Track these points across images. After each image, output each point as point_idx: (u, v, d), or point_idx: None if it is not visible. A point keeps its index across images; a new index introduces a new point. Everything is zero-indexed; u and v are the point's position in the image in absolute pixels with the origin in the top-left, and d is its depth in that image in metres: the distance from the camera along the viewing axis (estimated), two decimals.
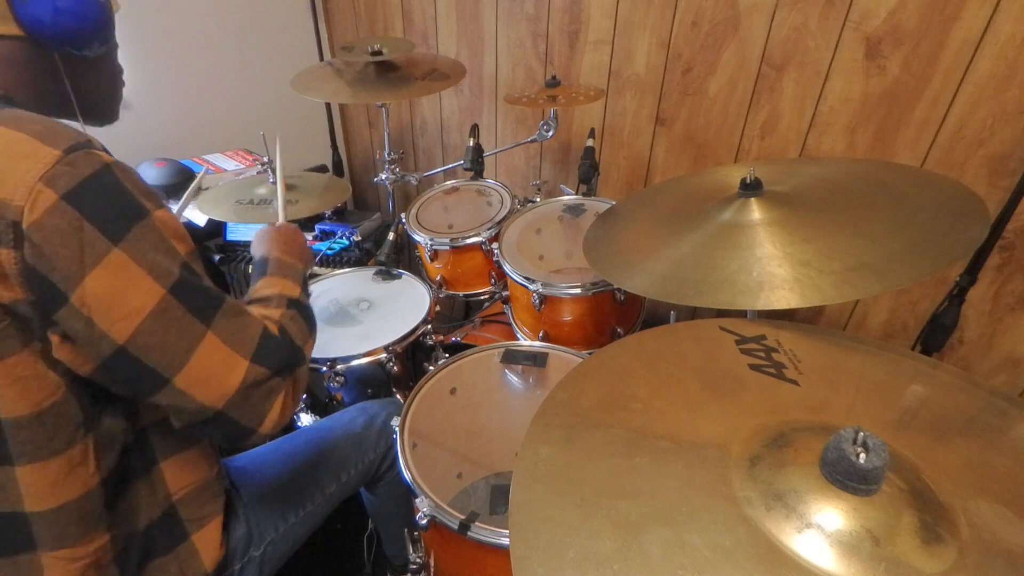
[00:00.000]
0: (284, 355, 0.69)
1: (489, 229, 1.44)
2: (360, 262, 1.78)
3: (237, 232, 1.78)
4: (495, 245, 1.35)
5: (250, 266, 1.74)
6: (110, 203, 0.58)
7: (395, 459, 0.98)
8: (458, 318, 1.86)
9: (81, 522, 0.66)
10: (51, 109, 0.69)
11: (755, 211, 0.85)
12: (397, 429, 0.94)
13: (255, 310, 0.74)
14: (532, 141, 1.58)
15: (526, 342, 1.20)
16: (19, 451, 0.61)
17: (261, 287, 0.81)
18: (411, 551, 0.95)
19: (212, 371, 0.63)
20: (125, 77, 0.84)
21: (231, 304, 0.67)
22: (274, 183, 1.44)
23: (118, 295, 0.58)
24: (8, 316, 0.56)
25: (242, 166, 1.89)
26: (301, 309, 0.79)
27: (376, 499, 1.14)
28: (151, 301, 0.59)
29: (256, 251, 0.92)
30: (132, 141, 1.83)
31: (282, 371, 0.69)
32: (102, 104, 0.78)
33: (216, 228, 1.75)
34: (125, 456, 0.70)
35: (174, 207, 1.69)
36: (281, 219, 1.06)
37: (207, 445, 0.81)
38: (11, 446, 0.60)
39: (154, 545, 0.74)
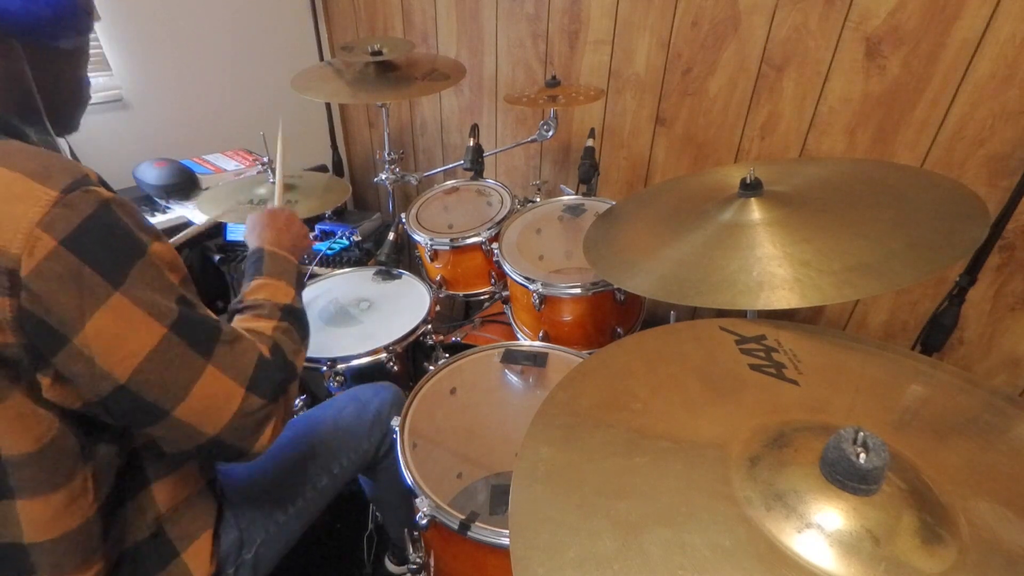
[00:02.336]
0: (278, 379, 0.69)
1: (489, 229, 1.44)
2: (360, 262, 1.78)
3: (237, 232, 1.78)
4: (495, 245, 1.35)
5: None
6: (109, 244, 0.57)
7: (392, 445, 0.97)
8: (458, 318, 1.87)
9: (80, 551, 0.65)
10: (14, 108, 0.65)
11: (755, 211, 0.85)
12: (397, 429, 0.94)
13: (247, 324, 0.73)
14: (532, 141, 1.58)
15: (526, 342, 1.20)
16: (20, 486, 0.60)
17: (254, 288, 0.79)
18: (411, 551, 0.95)
19: (211, 402, 0.63)
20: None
21: (227, 331, 0.66)
22: (275, 183, 1.44)
23: (119, 337, 0.57)
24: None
25: (242, 166, 1.89)
26: (294, 318, 0.78)
27: (376, 484, 1.12)
28: (152, 340, 0.59)
29: (250, 240, 0.89)
30: (132, 141, 1.83)
31: (276, 396, 0.69)
32: (63, 108, 0.72)
33: (216, 228, 1.75)
34: (119, 480, 0.69)
35: (175, 207, 1.69)
36: (277, 203, 1.03)
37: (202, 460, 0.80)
38: (12, 481, 0.60)
39: (142, 565, 0.73)
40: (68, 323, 0.54)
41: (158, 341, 0.59)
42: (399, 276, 1.48)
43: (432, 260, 1.51)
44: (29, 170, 0.55)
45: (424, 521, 0.80)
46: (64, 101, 0.72)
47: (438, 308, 1.36)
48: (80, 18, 0.66)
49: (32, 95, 0.66)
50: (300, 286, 0.86)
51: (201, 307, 0.66)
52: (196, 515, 0.79)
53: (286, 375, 0.71)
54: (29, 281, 0.52)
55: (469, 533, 0.77)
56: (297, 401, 1.29)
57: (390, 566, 1.31)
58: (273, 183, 1.44)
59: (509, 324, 1.45)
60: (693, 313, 1.55)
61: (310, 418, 1.04)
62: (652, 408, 0.63)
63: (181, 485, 0.76)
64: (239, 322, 0.74)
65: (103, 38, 1.70)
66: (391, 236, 1.56)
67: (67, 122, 0.74)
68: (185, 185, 1.72)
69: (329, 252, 1.78)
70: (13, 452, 0.59)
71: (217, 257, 1.76)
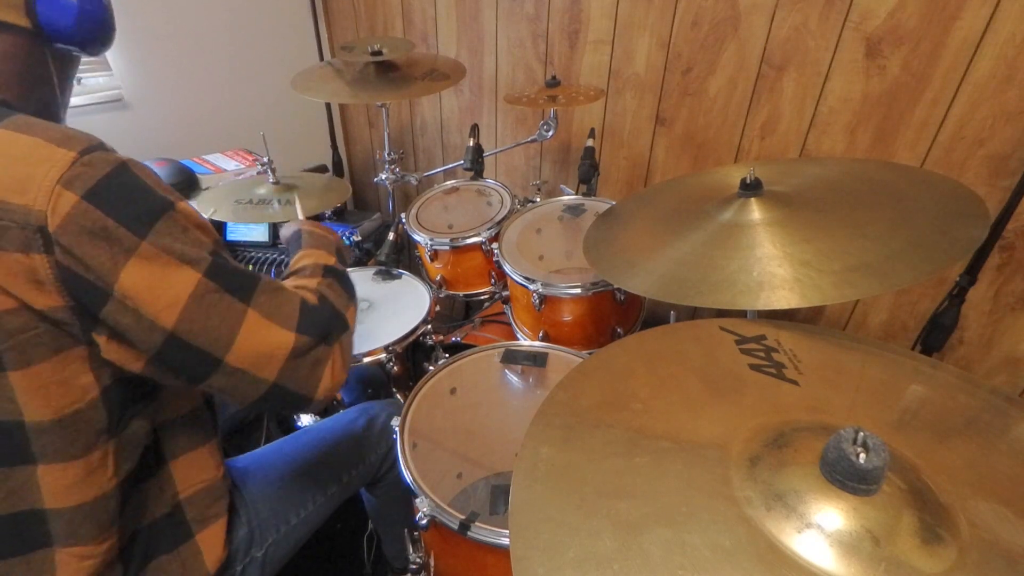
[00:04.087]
0: (326, 321, 0.71)
1: (489, 229, 1.44)
2: (360, 262, 1.78)
3: (237, 232, 1.78)
4: (495, 245, 1.35)
5: (252, 265, 1.74)
6: (131, 199, 0.58)
7: (395, 460, 0.99)
8: (458, 318, 1.87)
9: (94, 523, 0.66)
10: (35, 106, 0.69)
11: (755, 211, 0.85)
12: (397, 429, 0.94)
13: (290, 283, 0.75)
14: (532, 141, 1.58)
15: (526, 342, 1.20)
16: (41, 452, 0.61)
17: (297, 260, 0.83)
18: (411, 551, 0.95)
19: (260, 347, 0.65)
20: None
21: (266, 281, 0.68)
22: (275, 183, 1.44)
23: (156, 285, 0.58)
24: (42, 323, 0.56)
25: (242, 166, 1.89)
26: (338, 276, 0.81)
27: (376, 500, 1.14)
28: (189, 286, 0.60)
29: (287, 231, 0.96)
30: (132, 141, 1.83)
31: (326, 338, 0.70)
32: (64, 111, 0.77)
33: (216, 228, 1.74)
34: (142, 458, 0.70)
35: None
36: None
37: (215, 446, 0.81)
38: (34, 447, 0.61)
39: (157, 542, 0.74)
40: (104, 276, 0.56)
41: (195, 286, 0.60)
42: (399, 276, 1.48)
43: (432, 260, 1.51)
44: (50, 136, 0.57)
45: (424, 521, 0.80)
46: (66, 103, 0.76)
47: (438, 308, 1.36)
48: (111, 34, 0.72)
49: (55, 95, 0.71)
50: (342, 258, 0.89)
51: (235, 262, 0.68)
52: (212, 501, 0.80)
53: (335, 322, 0.73)
54: (58, 236, 0.54)
55: (469, 533, 0.77)
56: None
57: None
58: (274, 183, 1.44)
59: (509, 324, 1.45)
60: (693, 313, 1.55)
61: (322, 428, 1.07)
62: (652, 408, 0.63)
63: (197, 468, 0.78)
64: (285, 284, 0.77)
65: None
66: (391, 236, 1.56)
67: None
68: (185, 185, 1.71)
69: None
70: (33, 418, 0.60)
71: None
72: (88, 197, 0.55)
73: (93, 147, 0.58)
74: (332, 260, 0.84)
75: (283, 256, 1.76)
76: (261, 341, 0.65)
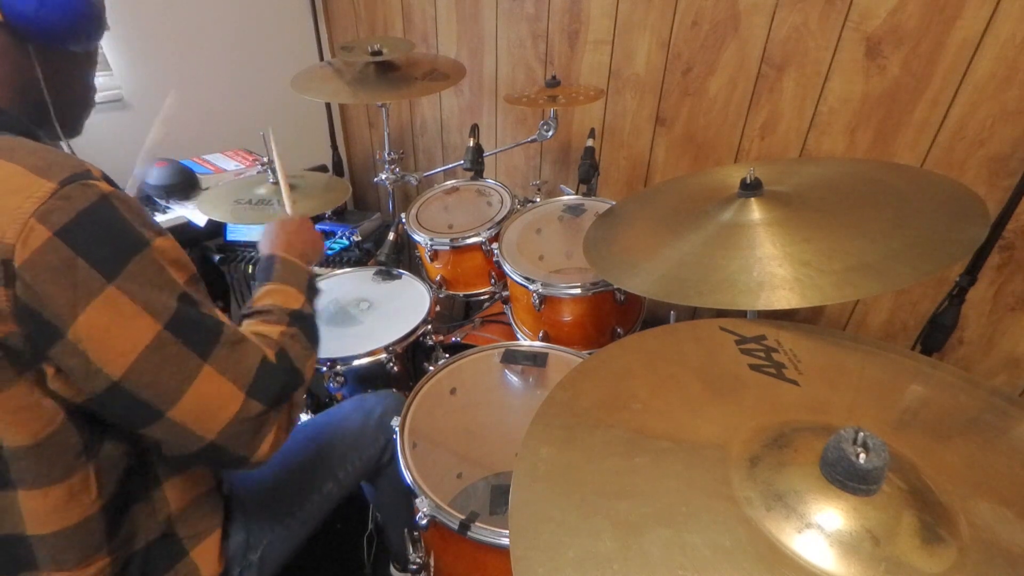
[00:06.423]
0: (280, 383, 0.68)
1: (489, 229, 1.44)
2: (360, 262, 1.78)
3: (237, 232, 1.78)
4: (495, 245, 1.35)
5: (252, 266, 1.74)
6: (106, 237, 0.57)
7: (395, 453, 0.98)
8: (458, 318, 1.87)
9: (79, 547, 0.65)
10: (26, 110, 0.67)
11: (755, 211, 0.85)
12: (397, 429, 0.94)
13: (254, 327, 0.73)
14: (532, 141, 1.58)
15: (526, 342, 1.20)
16: (20, 477, 0.60)
17: (263, 294, 0.79)
18: (411, 551, 0.95)
19: (208, 404, 0.62)
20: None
21: (230, 333, 0.65)
22: (275, 183, 1.45)
23: (112, 332, 0.57)
24: (1, 349, 0.55)
25: (242, 166, 1.89)
26: (303, 323, 0.77)
27: (379, 492, 1.13)
28: (146, 338, 0.58)
29: (262, 247, 0.90)
30: (132, 141, 1.83)
31: (278, 402, 0.68)
32: (70, 111, 0.74)
33: (216, 228, 1.75)
34: (127, 480, 0.69)
35: (175, 207, 1.69)
36: (288, 211, 1.07)
37: None
38: (12, 472, 0.60)
39: (152, 565, 0.73)
40: (61, 316, 0.54)
41: (153, 338, 0.58)
42: (399, 276, 1.48)
43: (432, 260, 1.51)
44: (30, 164, 0.55)
45: (424, 521, 0.80)
46: (72, 105, 0.74)
47: (438, 308, 1.36)
48: (93, 24, 0.68)
49: (43, 98, 0.67)
50: (312, 292, 0.85)
51: (206, 306, 0.65)
52: (205, 514, 0.79)
53: (291, 380, 0.70)
54: (23, 271, 0.53)
55: (469, 533, 0.77)
56: None
57: (395, 573, 1.31)
58: (274, 183, 1.45)
59: (509, 324, 1.45)
60: (693, 313, 1.55)
61: (316, 424, 1.05)
62: (652, 408, 0.63)
63: (191, 484, 0.76)
64: (247, 327, 0.74)
65: (103, 38, 1.71)
66: (391, 236, 1.56)
67: (73, 125, 0.75)
68: (185, 185, 1.72)
69: (329, 252, 1.78)
70: (12, 444, 0.59)
71: (217, 257, 1.76)
72: (61, 234, 0.53)
73: (76, 176, 0.56)
74: (301, 301, 0.80)
75: None
76: (211, 397, 0.62)
